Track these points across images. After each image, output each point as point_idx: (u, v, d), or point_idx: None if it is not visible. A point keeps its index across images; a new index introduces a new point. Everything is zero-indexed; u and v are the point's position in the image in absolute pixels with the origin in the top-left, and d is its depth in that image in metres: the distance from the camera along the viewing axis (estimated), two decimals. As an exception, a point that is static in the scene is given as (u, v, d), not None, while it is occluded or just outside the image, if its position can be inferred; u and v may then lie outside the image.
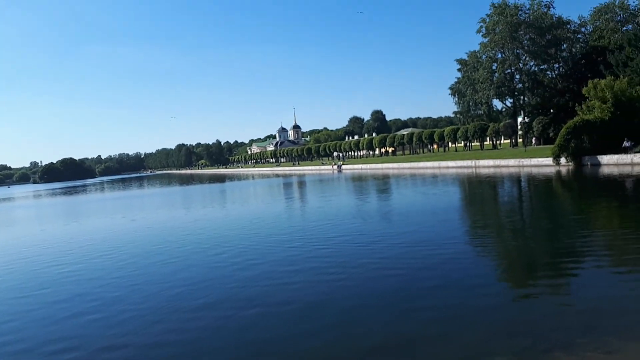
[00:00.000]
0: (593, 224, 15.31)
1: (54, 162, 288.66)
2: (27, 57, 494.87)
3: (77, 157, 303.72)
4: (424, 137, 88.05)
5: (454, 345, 6.69)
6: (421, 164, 60.58)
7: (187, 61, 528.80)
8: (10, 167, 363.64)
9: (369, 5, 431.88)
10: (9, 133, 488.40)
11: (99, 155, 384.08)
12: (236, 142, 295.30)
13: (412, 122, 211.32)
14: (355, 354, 6.61)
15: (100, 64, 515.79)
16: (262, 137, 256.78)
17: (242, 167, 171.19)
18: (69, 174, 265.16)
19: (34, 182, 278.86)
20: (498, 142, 75.46)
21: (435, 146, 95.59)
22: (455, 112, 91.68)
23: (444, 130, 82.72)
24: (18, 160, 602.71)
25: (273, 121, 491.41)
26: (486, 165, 48.27)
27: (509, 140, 74.78)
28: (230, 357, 6.93)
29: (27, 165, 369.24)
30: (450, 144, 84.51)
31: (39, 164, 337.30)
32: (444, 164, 56.08)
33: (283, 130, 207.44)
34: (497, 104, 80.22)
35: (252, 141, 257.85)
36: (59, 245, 19.61)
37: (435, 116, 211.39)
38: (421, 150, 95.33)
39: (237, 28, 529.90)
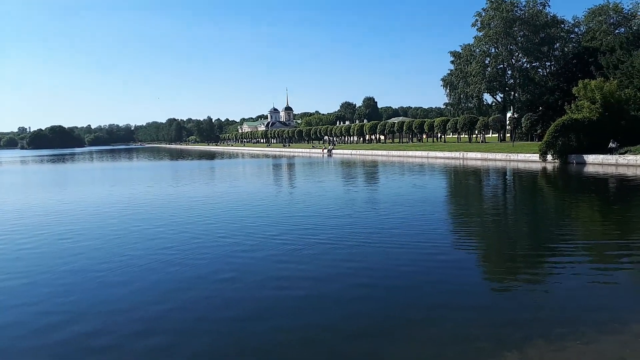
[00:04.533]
0: (574, 220, 16.14)
1: (43, 128, 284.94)
2: (21, 19, 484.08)
3: (66, 125, 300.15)
4: (414, 126, 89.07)
5: (434, 331, 6.95)
6: (410, 153, 61.57)
7: (182, 34, 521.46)
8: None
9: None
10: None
11: (89, 125, 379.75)
12: (227, 120, 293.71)
13: (403, 111, 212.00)
14: (332, 344, 6.74)
15: (94, 31, 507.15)
16: (253, 117, 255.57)
17: (232, 146, 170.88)
18: (57, 141, 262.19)
19: (22, 147, 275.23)
20: (486, 135, 76.64)
21: (424, 136, 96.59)
22: (446, 104, 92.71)
23: (434, 121, 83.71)
24: (6, 125, 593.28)
25: (265, 101, 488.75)
26: (474, 158, 49.35)
27: (497, 135, 75.96)
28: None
29: (15, 130, 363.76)
30: (439, 134, 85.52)
31: (27, 129, 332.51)
32: (432, 154, 57.12)
33: (275, 111, 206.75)
34: (488, 98, 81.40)
35: (243, 120, 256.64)
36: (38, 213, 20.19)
37: (426, 106, 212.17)
38: (410, 140, 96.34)
39: (235, 5, 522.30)
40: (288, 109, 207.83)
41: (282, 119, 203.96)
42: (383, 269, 10.10)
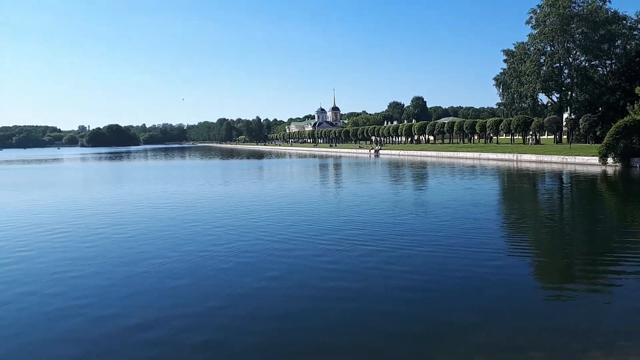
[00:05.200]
0: (637, 227, 15.22)
1: (101, 127, 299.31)
2: (81, 23, 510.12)
3: (122, 124, 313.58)
4: (465, 127, 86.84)
5: (485, 339, 6.72)
6: (461, 154, 60.24)
7: (233, 37, 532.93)
8: (60, 129, 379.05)
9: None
10: (60, 96, 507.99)
11: (144, 124, 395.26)
12: (275, 120, 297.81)
13: (453, 111, 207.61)
14: (380, 345, 6.75)
15: (149, 33, 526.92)
16: (300, 117, 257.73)
17: (280, 145, 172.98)
18: (114, 139, 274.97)
19: (82, 145, 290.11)
20: (541, 137, 73.87)
21: (476, 137, 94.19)
22: (498, 104, 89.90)
23: (486, 121, 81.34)
24: (68, 123, 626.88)
25: (312, 102, 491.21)
26: (528, 160, 47.70)
27: (552, 136, 73.05)
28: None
29: (76, 128, 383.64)
30: (491, 135, 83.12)
31: (87, 128, 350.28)
32: (484, 155, 55.65)
33: (322, 111, 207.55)
34: (543, 98, 78.37)
35: (290, 120, 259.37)
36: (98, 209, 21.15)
37: (477, 106, 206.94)
38: (461, 140, 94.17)
39: (284, 6, 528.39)
40: (335, 109, 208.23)
41: (329, 119, 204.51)
42: (430, 272, 9.95)
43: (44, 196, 26.68)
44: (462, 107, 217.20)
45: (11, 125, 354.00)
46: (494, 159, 52.54)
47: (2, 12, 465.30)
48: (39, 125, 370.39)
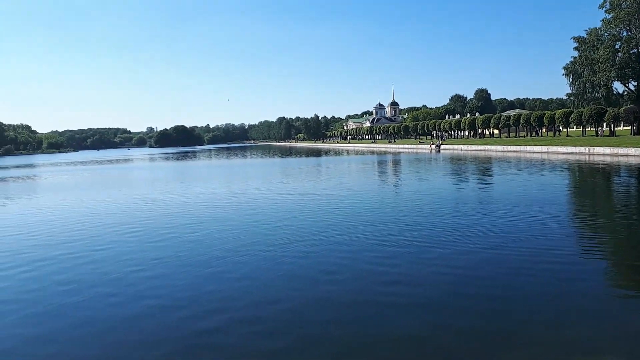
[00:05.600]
0: None
1: (168, 128, 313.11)
2: (146, 28, 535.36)
3: (188, 125, 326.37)
4: (533, 119, 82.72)
5: (560, 340, 6.57)
6: (528, 148, 57.57)
7: (291, 37, 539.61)
8: (130, 131, 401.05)
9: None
10: (130, 99, 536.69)
11: (208, 124, 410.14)
12: (333, 117, 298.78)
13: (520, 103, 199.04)
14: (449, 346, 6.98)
15: (211, 38, 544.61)
16: (358, 113, 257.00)
17: (338, 142, 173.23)
18: (180, 140, 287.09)
19: (150, 146, 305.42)
20: (616, 128, 69.15)
21: (544, 130, 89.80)
22: (568, 94, 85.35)
23: (555, 113, 77.14)
24: (137, 125, 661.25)
25: (370, 97, 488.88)
26: (602, 153, 44.77)
27: (629, 127, 68.21)
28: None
29: (144, 130, 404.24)
30: (561, 128, 78.87)
31: (155, 129, 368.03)
32: (553, 149, 52.84)
33: (380, 106, 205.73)
34: (618, 86, 73.43)
35: (348, 117, 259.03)
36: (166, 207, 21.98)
37: (545, 97, 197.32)
38: (528, 134, 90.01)
39: (339, 3, 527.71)
40: (394, 104, 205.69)
41: (388, 114, 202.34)
42: (494, 271, 9.56)
43: (117, 195, 28.17)
44: (528, 99, 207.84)
45: (86, 128, 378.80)
46: (563, 153, 49.77)
47: (76, 22, 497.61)
48: (110, 127, 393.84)
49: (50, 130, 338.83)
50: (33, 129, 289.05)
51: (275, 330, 7.30)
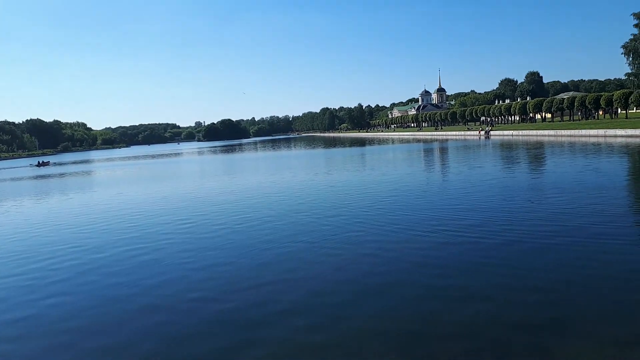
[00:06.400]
0: None
1: (215, 122, 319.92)
2: (192, 26, 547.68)
3: (234, 119, 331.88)
4: (588, 101, 78.58)
5: (613, 331, 6.45)
6: (583, 132, 54.97)
7: (330, 26, 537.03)
8: (179, 125, 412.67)
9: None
10: (178, 95, 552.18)
11: (253, 117, 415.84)
12: (377, 106, 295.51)
13: (574, 85, 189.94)
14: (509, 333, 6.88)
15: (252, 31, 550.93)
16: (403, 101, 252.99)
17: (382, 131, 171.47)
18: (227, 133, 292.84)
19: (198, 140, 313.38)
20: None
21: (601, 112, 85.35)
22: (627, 74, 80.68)
23: (612, 95, 73.00)
24: (185, 120, 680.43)
25: (416, 84, 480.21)
26: (664, 136, 42.16)
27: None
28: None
29: (193, 124, 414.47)
30: (619, 110, 74.63)
31: (202, 123, 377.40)
32: (610, 132, 50.17)
33: (426, 93, 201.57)
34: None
35: (393, 105, 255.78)
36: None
37: (602, 78, 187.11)
38: (584, 117, 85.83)
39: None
40: (440, 90, 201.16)
41: (434, 101, 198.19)
42: (548, 262, 9.17)
43: (169, 189, 29.07)
44: (584, 81, 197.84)
45: (137, 124, 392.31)
46: (622, 136, 47.16)
47: (125, 21, 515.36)
48: (160, 122, 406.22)
49: (104, 127, 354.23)
50: (88, 126, 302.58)
51: (322, 324, 7.31)
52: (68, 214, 20.87)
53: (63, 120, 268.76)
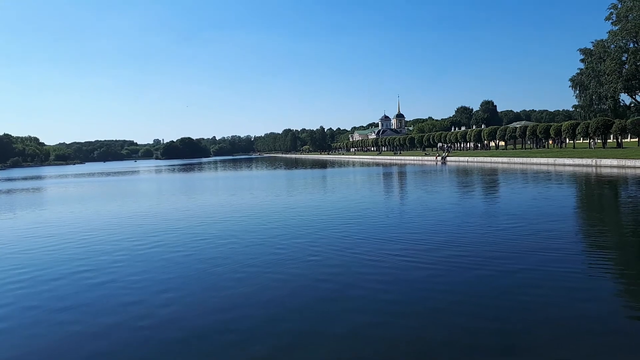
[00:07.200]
0: None
1: (174, 140, 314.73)
2: (152, 43, 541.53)
3: (194, 137, 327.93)
4: (539, 131, 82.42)
5: (564, 357, 6.72)
6: (534, 160, 57.26)
7: (294, 48, 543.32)
8: (136, 143, 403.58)
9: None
10: (137, 111, 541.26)
11: (214, 136, 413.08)
12: (339, 129, 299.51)
13: (526, 115, 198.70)
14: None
15: (214, 50, 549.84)
16: (364, 125, 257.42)
17: (343, 154, 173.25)
18: (186, 151, 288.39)
19: (156, 157, 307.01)
20: (624, 140, 68.67)
21: (550, 142, 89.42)
22: (575, 106, 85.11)
23: (561, 125, 76.85)
24: (143, 137, 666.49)
25: (376, 109, 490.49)
26: (609, 165, 44.44)
27: (636, 139, 67.76)
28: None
29: (151, 142, 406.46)
30: (567, 140, 78.42)
31: (161, 141, 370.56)
32: (559, 161, 52.52)
33: (386, 118, 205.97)
34: (625, 98, 73.18)
35: (354, 129, 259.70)
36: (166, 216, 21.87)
37: (551, 109, 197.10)
38: (534, 146, 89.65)
39: (344, 16, 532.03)
40: (399, 116, 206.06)
41: (394, 126, 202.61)
42: (494, 289, 9.31)
43: (123, 207, 28.12)
44: (535, 111, 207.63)
45: (93, 140, 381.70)
46: (570, 165, 49.44)
47: (83, 34, 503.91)
48: (117, 139, 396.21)
49: (57, 143, 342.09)
50: (41, 141, 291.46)
51: (274, 354, 7.13)
52: (11, 234, 19.80)
53: (14, 134, 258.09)
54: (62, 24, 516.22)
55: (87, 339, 7.80)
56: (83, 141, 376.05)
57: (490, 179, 40.62)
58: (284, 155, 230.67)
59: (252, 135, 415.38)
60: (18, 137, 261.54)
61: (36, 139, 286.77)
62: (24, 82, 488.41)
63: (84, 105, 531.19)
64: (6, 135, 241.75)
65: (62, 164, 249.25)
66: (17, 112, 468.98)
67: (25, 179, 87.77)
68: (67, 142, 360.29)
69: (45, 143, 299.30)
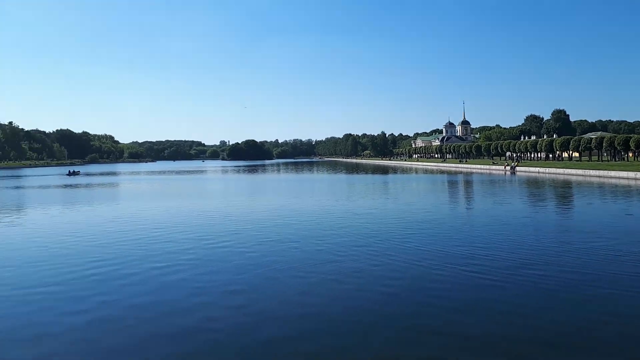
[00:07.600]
0: None
1: (239, 142, 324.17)
2: (219, 48, 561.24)
3: (258, 139, 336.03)
4: (617, 142, 77.22)
5: None
6: (612, 173, 53.71)
7: (357, 52, 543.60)
8: (204, 143, 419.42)
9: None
10: (204, 113, 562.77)
11: (277, 139, 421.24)
12: (401, 134, 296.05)
13: (602, 125, 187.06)
14: None
15: (280, 53, 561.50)
16: (427, 131, 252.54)
17: (405, 161, 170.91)
18: (250, 153, 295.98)
19: (222, 158, 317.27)
20: None
21: (630, 154, 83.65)
22: (660, 116, 78.97)
23: (643, 137, 71.61)
24: (210, 139, 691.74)
25: (439, 115, 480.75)
26: (699, 182, 40.84)
27: None
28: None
29: (217, 143, 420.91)
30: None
31: (227, 142, 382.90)
32: (641, 175, 48.88)
33: (450, 125, 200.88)
34: None
35: (417, 135, 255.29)
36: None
37: (631, 120, 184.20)
38: (612, 158, 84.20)
39: (409, 20, 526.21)
40: (465, 122, 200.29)
41: (458, 133, 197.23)
42: (565, 316, 8.74)
43: (191, 205, 29.24)
44: (612, 121, 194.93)
45: (164, 140, 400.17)
46: (655, 180, 45.88)
47: (156, 39, 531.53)
48: (186, 139, 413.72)
49: (130, 141, 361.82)
50: (115, 139, 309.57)
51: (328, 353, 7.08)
52: (89, 226, 21.17)
53: (91, 132, 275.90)
54: (137, 26, 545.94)
55: (163, 340, 8.12)
56: (154, 140, 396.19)
57: (564, 192, 38.49)
58: (344, 160, 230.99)
59: (313, 139, 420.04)
60: (95, 135, 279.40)
61: (111, 137, 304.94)
62: (101, 83, 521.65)
63: (156, 106, 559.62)
64: (85, 133, 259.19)
65: (135, 162, 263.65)
66: (94, 110, 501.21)
67: (102, 174, 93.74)
68: (140, 141, 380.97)
69: (120, 141, 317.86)
